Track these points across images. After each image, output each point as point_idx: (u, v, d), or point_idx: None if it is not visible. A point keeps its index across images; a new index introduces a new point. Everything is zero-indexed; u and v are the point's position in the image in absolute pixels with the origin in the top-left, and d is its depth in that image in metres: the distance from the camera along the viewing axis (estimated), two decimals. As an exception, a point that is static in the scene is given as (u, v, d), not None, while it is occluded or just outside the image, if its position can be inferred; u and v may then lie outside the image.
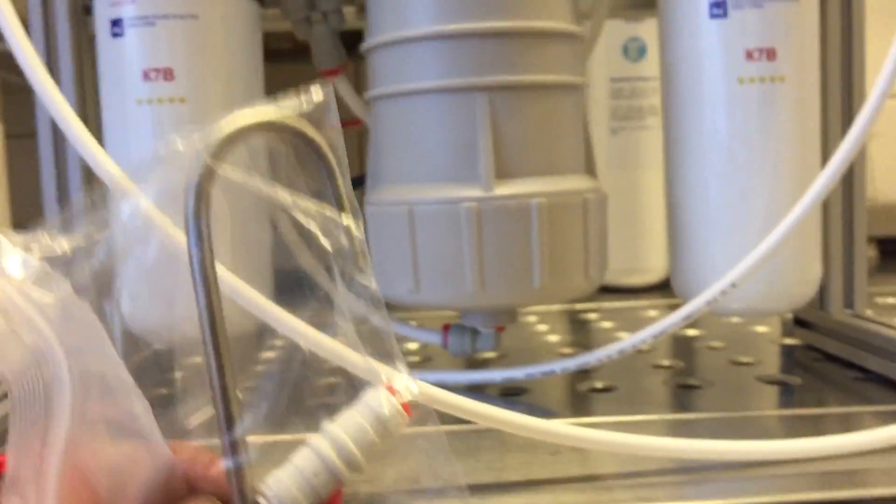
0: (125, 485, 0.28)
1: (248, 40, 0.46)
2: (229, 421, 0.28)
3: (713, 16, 0.44)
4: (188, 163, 0.27)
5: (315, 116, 0.29)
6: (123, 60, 0.44)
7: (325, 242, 0.29)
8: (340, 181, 0.30)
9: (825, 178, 0.40)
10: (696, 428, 0.42)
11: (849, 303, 0.52)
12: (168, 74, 0.43)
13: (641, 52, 0.77)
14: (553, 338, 0.63)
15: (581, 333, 0.66)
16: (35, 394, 0.26)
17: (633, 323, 0.68)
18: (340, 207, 0.30)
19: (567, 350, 0.59)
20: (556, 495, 0.34)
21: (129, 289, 0.29)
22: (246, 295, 0.33)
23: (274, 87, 0.49)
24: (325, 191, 0.30)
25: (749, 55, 0.43)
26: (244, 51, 0.46)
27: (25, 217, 0.69)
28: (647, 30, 0.77)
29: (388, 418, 0.29)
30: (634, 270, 0.78)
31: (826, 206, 0.50)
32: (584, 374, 0.52)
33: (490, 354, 0.57)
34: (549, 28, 0.42)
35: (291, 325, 0.33)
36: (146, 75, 0.43)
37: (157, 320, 0.29)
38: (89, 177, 0.52)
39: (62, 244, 0.27)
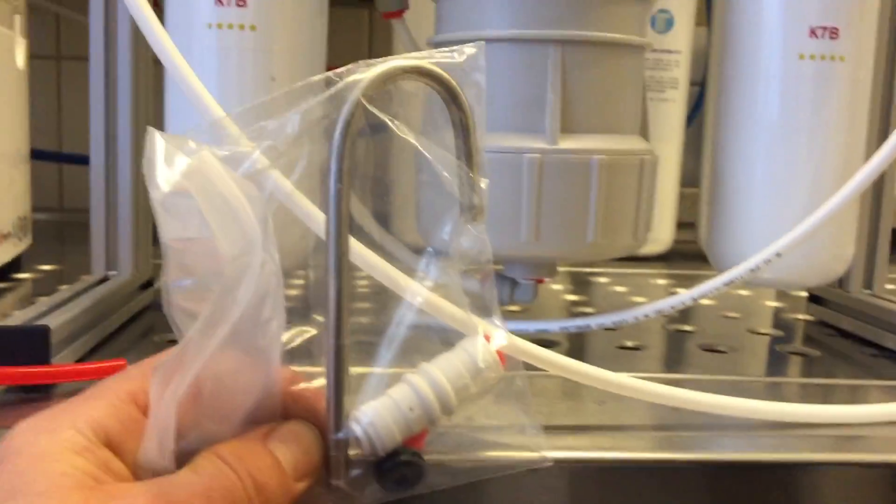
0: (228, 396, 0.28)
1: (317, -26, 0.46)
2: (337, 352, 0.29)
3: (779, -9, 0.45)
4: (338, 96, 0.28)
5: (463, 70, 0.30)
6: (195, -17, 0.43)
7: (457, 192, 0.31)
8: (475, 136, 0.31)
9: (878, 160, 0.41)
10: (724, 388, 0.43)
11: (868, 283, 0.54)
12: (241, 1, 0.43)
13: (669, 24, 0.78)
14: (570, 297, 0.65)
15: (593, 294, 0.67)
16: (237, 280, 0.26)
17: (643, 289, 0.70)
18: (471, 162, 0.31)
19: (585, 309, 0.61)
20: (609, 439, 0.36)
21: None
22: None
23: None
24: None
25: (812, 32, 0.44)
26: (313, -16, 0.46)
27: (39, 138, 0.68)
28: (676, 3, 0.77)
29: (484, 366, 0.31)
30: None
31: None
32: (610, 332, 0.54)
33: (512, 308, 0.59)
34: (625, -12, 0.43)
35: (393, 275, 0.34)
36: (218, 0, 0.43)
37: (289, 238, 0.31)
38: (137, 102, 0.52)
39: (214, 152, 0.28)
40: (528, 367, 0.36)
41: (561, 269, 0.76)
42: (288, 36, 0.44)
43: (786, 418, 0.38)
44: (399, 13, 0.51)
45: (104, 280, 0.51)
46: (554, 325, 0.48)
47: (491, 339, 0.32)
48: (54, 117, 1.04)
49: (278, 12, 0.44)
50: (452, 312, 0.33)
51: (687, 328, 0.56)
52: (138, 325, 0.51)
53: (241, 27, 0.43)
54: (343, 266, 0.30)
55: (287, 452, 0.29)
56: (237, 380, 0.29)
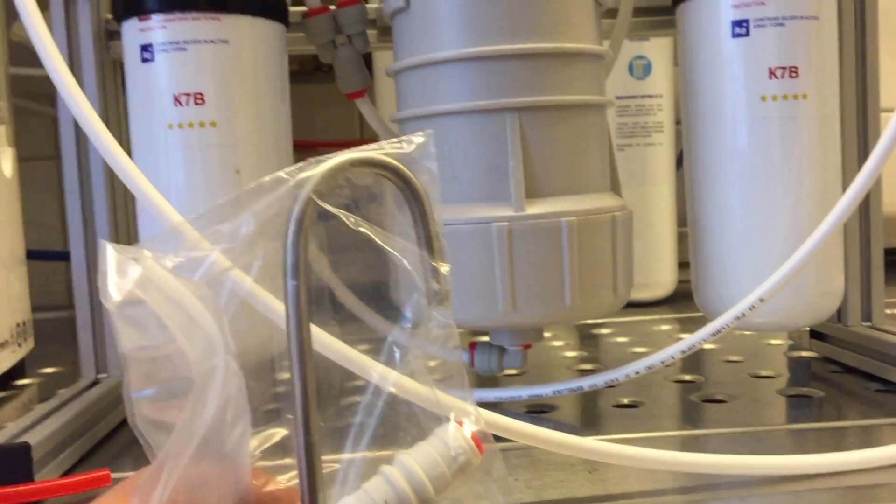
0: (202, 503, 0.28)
1: (275, 63, 0.47)
2: (308, 448, 0.29)
3: (735, 35, 0.44)
4: (290, 194, 0.29)
5: (414, 158, 0.31)
6: (153, 85, 0.44)
7: (419, 280, 0.31)
8: (432, 223, 0.31)
9: (852, 193, 0.40)
10: (725, 443, 0.43)
11: (866, 315, 0.53)
12: (199, 99, 0.43)
13: (647, 70, 0.78)
14: (569, 353, 0.64)
15: (596, 348, 0.66)
16: (205, 385, 0.26)
17: (646, 337, 0.69)
18: (430, 248, 0.31)
19: (586, 366, 0.60)
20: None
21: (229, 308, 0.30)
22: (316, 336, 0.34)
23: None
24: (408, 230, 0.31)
25: (771, 73, 0.44)
26: (272, 74, 0.46)
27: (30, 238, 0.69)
28: (652, 48, 0.78)
29: (457, 453, 0.30)
30: (643, 285, 0.79)
31: (843, 219, 0.51)
32: (607, 389, 0.52)
33: (510, 372, 0.58)
34: (577, 49, 0.43)
35: (361, 362, 0.33)
36: (177, 100, 0.43)
37: (253, 340, 0.31)
38: (114, 199, 0.52)
39: (165, 261, 0.28)
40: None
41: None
42: (250, 128, 0.45)
43: (801, 470, 0.37)
44: (361, 93, 0.51)
45: (95, 383, 0.51)
46: (546, 390, 0.48)
47: (464, 423, 0.31)
48: (58, 214, 1.05)
49: (238, 106, 0.44)
50: (423, 398, 0.32)
51: (688, 378, 0.55)
52: (129, 429, 0.51)
53: (202, 125, 0.43)
54: (307, 361, 0.30)
55: None
56: (209, 490, 0.29)
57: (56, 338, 0.84)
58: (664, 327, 0.72)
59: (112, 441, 0.48)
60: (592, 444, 0.35)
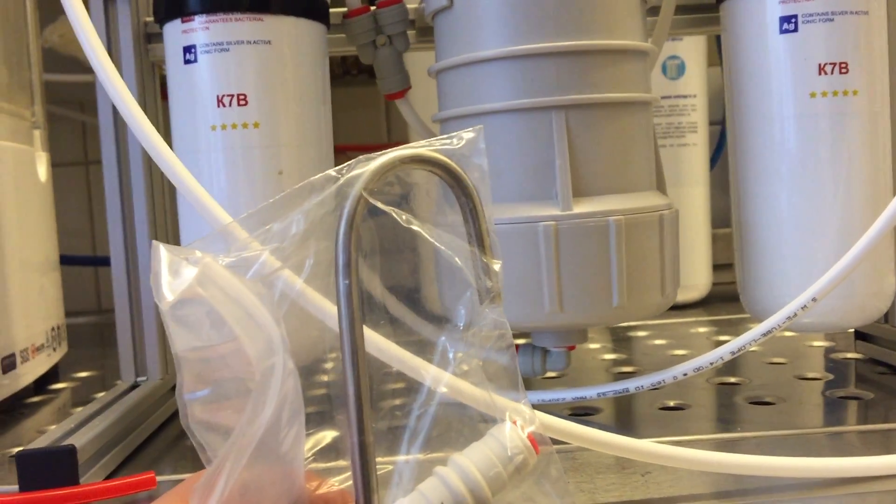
0: None
1: (317, 64, 0.46)
2: (362, 449, 0.28)
3: (783, 31, 0.44)
4: (339, 192, 0.28)
5: (464, 155, 0.30)
6: (196, 87, 0.44)
7: (471, 277, 0.30)
8: (483, 219, 0.31)
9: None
10: (775, 445, 0.42)
11: (915, 316, 0.52)
12: (242, 100, 0.43)
13: (680, 70, 0.77)
14: (607, 356, 0.63)
15: (633, 351, 0.65)
16: (265, 385, 0.26)
17: (683, 339, 0.68)
18: (481, 245, 0.31)
19: (624, 368, 0.59)
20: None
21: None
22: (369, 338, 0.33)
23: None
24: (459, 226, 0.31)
25: (821, 69, 0.43)
26: (314, 74, 0.46)
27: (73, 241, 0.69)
28: (685, 48, 0.77)
29: (513, 453, 0.30)
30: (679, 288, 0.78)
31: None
32: (651, 392, 0.52)
33: (550, 375, 0.57)
34: (624, 46, 0.42)
35: (414, 363, 0.33)
36: (220, 101, 0.43)
37: (303, 341, 0.30)
38: (153, 202, 0.52)
39: (219, 260, 0.28)
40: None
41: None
42: (292, 129, 0.44)
43: (851, 473, 0.36)
44: (401, 94, 0.51)
45: (135, 387, 0.51)
46: (591, 392, 0.47)
47: (518, 423, 0.31)
48: (87, 220, 1.06)
49: (281, 107, 0.44)
50: (477, 399, 0.32)
51: (732, 380, 0.54)
52: (171, 430, 0.51)
53: (245, 125, 0.43)
54: (359, 360, 0.29)
55: None
56: (264, 493, 0.28)
57: (86, 342, 0.84)
58: (700, 329, 0.72)
59: (152, 444, 0.48)
60: (650, 446, 0.35)
